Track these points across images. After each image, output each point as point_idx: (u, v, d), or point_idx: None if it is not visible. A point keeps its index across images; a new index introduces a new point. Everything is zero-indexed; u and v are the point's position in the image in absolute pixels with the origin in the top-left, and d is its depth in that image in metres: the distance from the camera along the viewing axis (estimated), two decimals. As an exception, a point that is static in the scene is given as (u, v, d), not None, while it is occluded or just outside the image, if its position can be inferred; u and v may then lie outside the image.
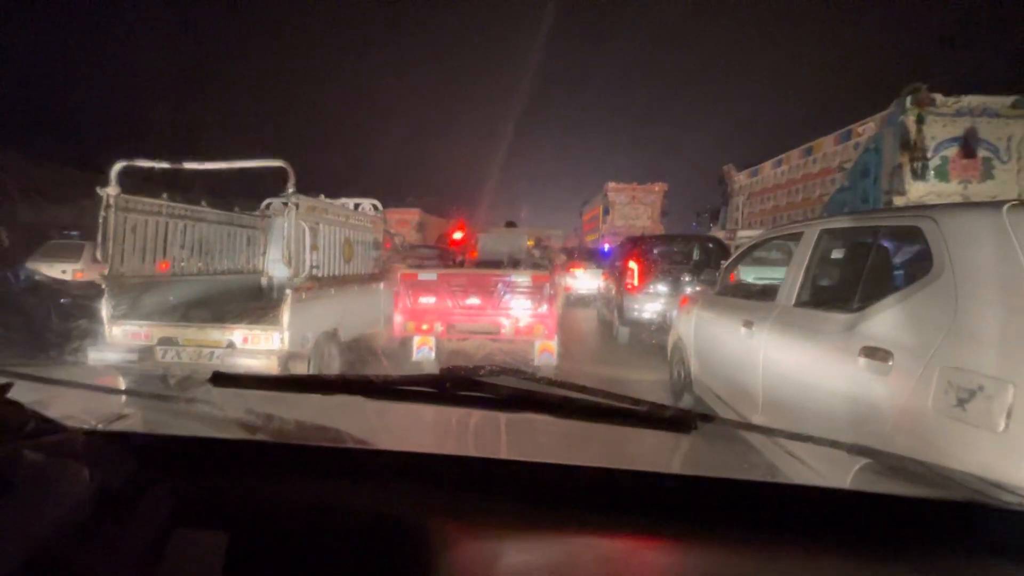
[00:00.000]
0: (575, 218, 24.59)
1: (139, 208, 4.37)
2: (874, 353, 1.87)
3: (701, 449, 1.00)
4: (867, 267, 2.27)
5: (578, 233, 22.20)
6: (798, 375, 2.40)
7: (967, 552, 0.63)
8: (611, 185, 16.87)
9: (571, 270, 11.68)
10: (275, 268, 5.97)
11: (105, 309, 4.05)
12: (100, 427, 0.82)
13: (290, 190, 3.98)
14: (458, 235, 8.10)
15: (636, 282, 7.25)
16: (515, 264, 5.74)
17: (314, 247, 4.25)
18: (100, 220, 4.02)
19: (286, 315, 4.01)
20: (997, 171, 5.64)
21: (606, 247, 12.95)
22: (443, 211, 19.05)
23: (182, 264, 4.98)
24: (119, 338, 4.04)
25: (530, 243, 7.12)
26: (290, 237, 3.99)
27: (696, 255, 7.66)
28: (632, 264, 7.44)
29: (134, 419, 1.03)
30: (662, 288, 6.95)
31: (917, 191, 5.56)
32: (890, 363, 1.79)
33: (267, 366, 3.90)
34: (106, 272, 4.07)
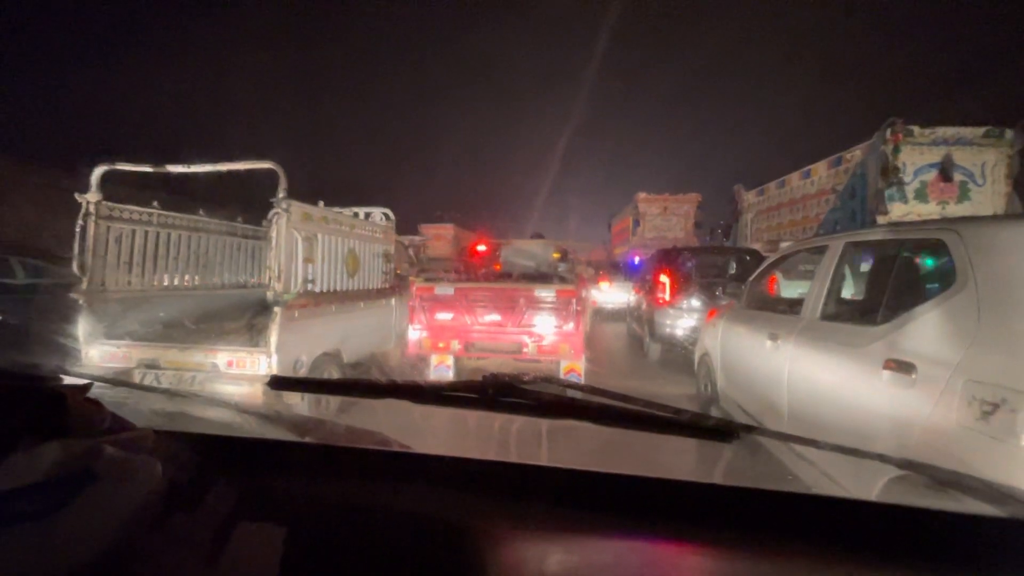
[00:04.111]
0: (603, 231, 23.79)
1: (124, 217, 3.76)
2: (898, 366, 1.78)
3: (743, 459, 0.98)
4: (891, 280, 2.15)
5: (606, 246, 21.36)
6: (823, 388, 2.27)
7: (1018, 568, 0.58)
8: (641, 196, 15.90)
9: (598, 283, 11.03)
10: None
11: (81, 327, 3.41)
12: (168, 427, 0.80)
13: (280, 195, 3.41)
14: (481, 247, 7.58)
15: (668, 296, 6.54)
16: (540, 277, 5.17)
17: (308, 259, 3.54)
18: (78, 229, 3.43)
19: (274, 336, 3.30)
20: (973, 193, 6.06)
21: (636, 260, 12.23)
22: (476, 226, 18.99)
23: (175, 278, 4.35)
24: (95, 359, 3.39)
25: (556, 255, 6.50)
26: (280, 248, 3.25)
27: (732, 268, 6.96)
28: (664, 277, 6.76)
29: (198, 420, 1.06)
30: (695, 303, 6.19)
31: (897, 211, 5.96)
32: (914, 376, 1.71)
33: (251, 393, 3.37)
34: (84, 286, 3.47)
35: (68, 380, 0.70)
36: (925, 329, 1.77)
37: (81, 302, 3.49)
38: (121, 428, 0.61)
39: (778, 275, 3.61)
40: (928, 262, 2.12)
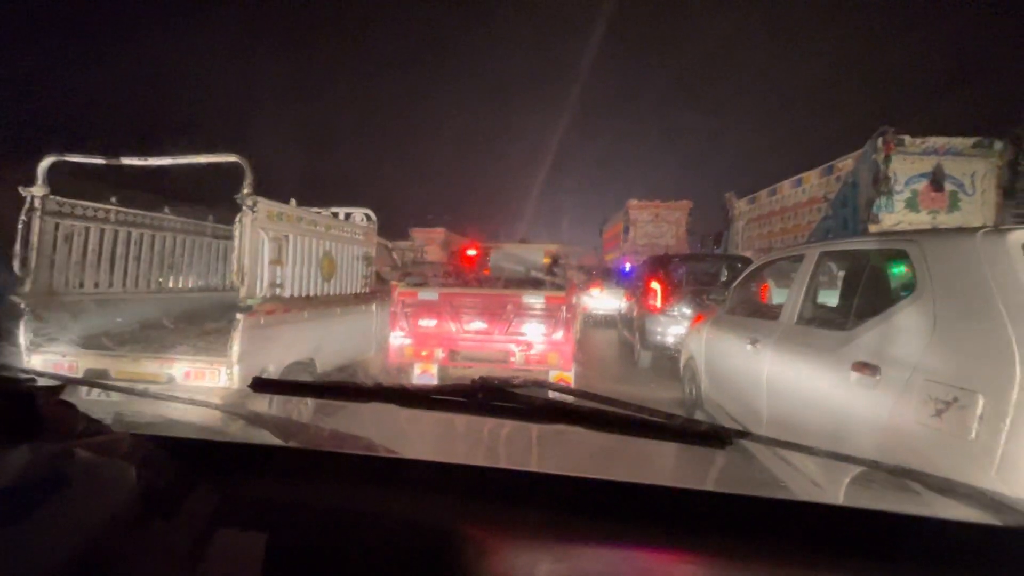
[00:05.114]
0: (595, 236, 23.64)
1: (76, 213, 3.43)
2: (864, 368, 1.87)
3: (735, 465, 0.93)
4: (860, 287, 2.26)
5: (598, 251, 21.21)
6: (799, 391, 2.35)
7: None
8: (632, 202, 15.74)
9: (589, 289, 10.85)
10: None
11: (23, 334, 3.07)
12: (144, 430, 0.77)
13: (245, 191, 3.15)
14: (471, 252, 7.33)
15: (659, 303, 6.41)
16: (529, 283, 4.92)
17: (276, 261, 3.26)
18: (21, 225, 3.09)
19: (236, 345, 3.02)
20: (963, 203, 6.03)
21: (627, 266, 12.03)
22: (465, 229, 18.88)
23: (134, 280, 4.00)
24: (38, 369, 3.27)
25: (546, 260, 6.26)
26: (244, 248, 3.01)
27: (724, 275, 6.82)
28: (655, 284, 6.60)
29: (177, 424, 1.03)
30: (687, 310, 6.09)
31: (889, 220, 5.89)
32: (878, 377, 1.80)
33: (217, 401, 3.07)
34: (27, 288, 3.11)
35: (41, 381, 0.67)
36: (888, 333, 1.87)
37: (23, 306, 3.16)
38: (95, 431, 0.59)
39: (770, 282, 3.63)
40: (893, 271, 2.23)
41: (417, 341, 4.33)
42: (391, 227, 5.35)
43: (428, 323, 4.33)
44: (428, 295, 4.37)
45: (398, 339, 4.37)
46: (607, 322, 10.44)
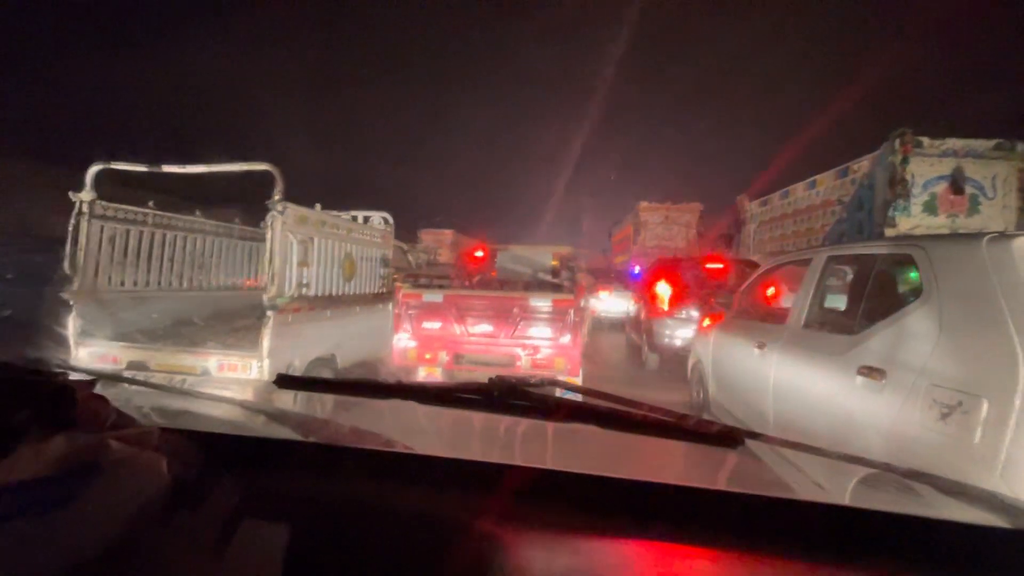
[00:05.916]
0: (603, 239, 23.60)
1: (119, 216, 3.70)
2: (870, 372, 1.89)
3: (746, 466, 0.94)
4: (866, 291, 2.27)
5: (607, 254, 21.21)
6: (805, 394, 2.35)
7: None
8: (643, 205, 15.74)
9: (597, 292, 10.93)
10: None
11: (72, 327, 3.34)
12: (173, 423, 0.82)
13: (276, 197, 3.36)
14: (479, 253, 7.45)
15: (667, 306, 6.50)
16: (536, 285, 5.01)
17: (303, 263, 3.49)
18: (71, 228, 3.37)
19: (266, 340, 3.26)
20: (983, 206, 5.89)
21: (636, 269, 12.11)
22: (474, 231, 18.98)
23: (170, 279, 4.28)
24: (85, 360, 3.31)
25: (554, 263, 6.35)
26: (274, 251, 3.20)
27: (732, 279, 6.89)
28: (663, 287, 6.72)
29: (203, 418, 1.06)
30: (695, 313, 6.13)
31: (906, 224, 5.80)
32: (884, 381, 1.81)
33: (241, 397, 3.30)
34: (75, 286, 3.40)
35: (73, 376, 0.71)
36: (894, 337, 1.89)
37: (71, 302, 3.42)
38: (126, 424, 0.61)
39: (779, 286, 3.60)
40: (900, 275, 2.26)
41: (421, 344, 4.27)
42: (401, 228, 5.50)
43: (432, 325, 4.27)
44: (432, 297, 4.34)
45: (402, 341, 4.31)
46: (615, 327, 10.45)
